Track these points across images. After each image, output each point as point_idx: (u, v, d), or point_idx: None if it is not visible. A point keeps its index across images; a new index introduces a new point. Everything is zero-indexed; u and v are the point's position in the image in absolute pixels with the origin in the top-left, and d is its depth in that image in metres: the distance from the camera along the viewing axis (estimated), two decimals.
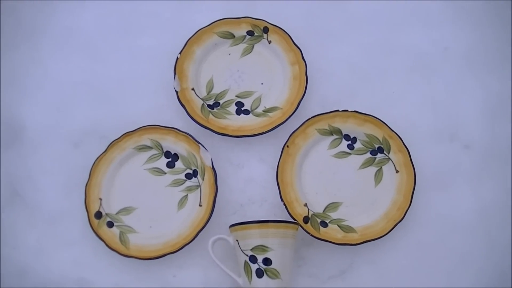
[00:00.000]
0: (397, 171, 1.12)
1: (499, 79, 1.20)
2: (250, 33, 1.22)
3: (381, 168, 1.14)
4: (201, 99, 1.19)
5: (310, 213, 1.11)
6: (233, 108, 1.19)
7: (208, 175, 1.12)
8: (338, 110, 1.14)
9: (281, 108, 1.17)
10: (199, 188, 1.13)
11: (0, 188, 1.15)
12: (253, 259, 1.00)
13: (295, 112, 1.14)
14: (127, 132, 1.14)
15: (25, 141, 1.18)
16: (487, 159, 1.16)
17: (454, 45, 1.23)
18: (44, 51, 1.24)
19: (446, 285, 1.09)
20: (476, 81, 1.20)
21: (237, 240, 1.02)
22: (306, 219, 1.10)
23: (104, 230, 1.11)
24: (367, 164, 1.14)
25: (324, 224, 1.10)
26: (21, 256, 1.12)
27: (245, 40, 1.22)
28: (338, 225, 1.10)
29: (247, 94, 1.19)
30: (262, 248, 0.99)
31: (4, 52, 1.24)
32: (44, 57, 1.24)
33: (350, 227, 1.10)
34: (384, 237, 1.07)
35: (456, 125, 1.18)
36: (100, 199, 1.12)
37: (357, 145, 1.15)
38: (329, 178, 1.14)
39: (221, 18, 1.21)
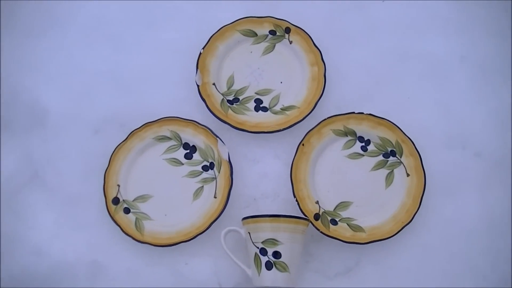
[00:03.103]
0: (407, 175, 1.13)
1: None
2: (272, 32, 1.22)
3: (392, 171, 1.14)
4: (221, 94, 1.20)
5: (321, 210, 1.12)
6: (252, 104, 1.20)
7: (224, 168, 1.14)
8: (353, 112, 1.15)
9: (298, 107, 1.18)
10: (214, 180, 1.15)
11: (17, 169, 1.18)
12: (263, 251, 1.01)
13: (312, 112, 1.15)
14: (147, 122, 1.16)
15: (47, 125, 1.20)
16: (496, 167, 1.16)
17: (470, 54, 1.23)
18: (70, 39, 1.26)
19: None
20: (490, 90, 1.21)
21: (249, 233, 1.03)
22: (316, 216, 1.11)
23: (121, 215, 1.12)
24: (379, 166, 1.15)
25: (334, 222, 1.11)
26: (37, 236, 1.13)
27: (267, 39, 1.23)
28: (347, 224, 1.11)
29: (266, 92, 1.20)
30: (273, 241, 1.00)
31: (31, 38, 1.25)
32: (70, 45, 1.25)
33: (359, 226, 1.11)
34: (391, 238, 1.08)
35: (467, 133, 1.18)
36: (118, 185, 1.14)
37: (370, 147, 1.16)
38: (341, 177, 1.15)
39: (244, 16, 1.22)
